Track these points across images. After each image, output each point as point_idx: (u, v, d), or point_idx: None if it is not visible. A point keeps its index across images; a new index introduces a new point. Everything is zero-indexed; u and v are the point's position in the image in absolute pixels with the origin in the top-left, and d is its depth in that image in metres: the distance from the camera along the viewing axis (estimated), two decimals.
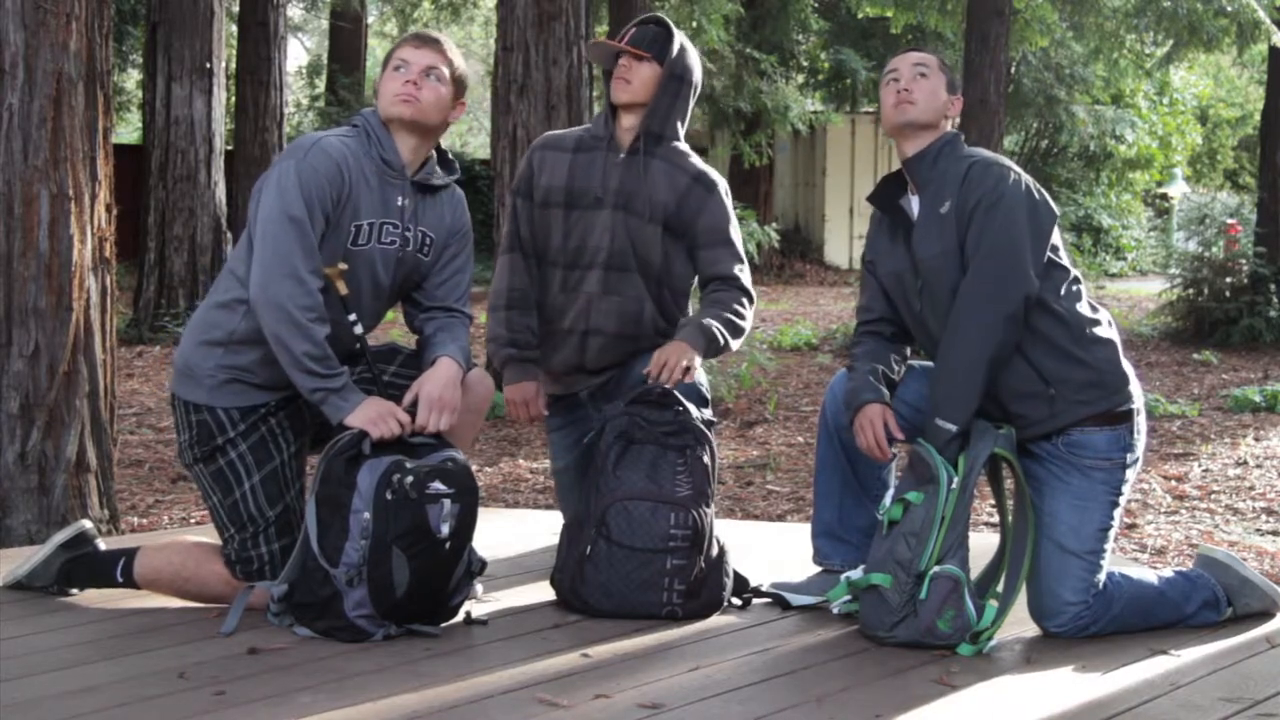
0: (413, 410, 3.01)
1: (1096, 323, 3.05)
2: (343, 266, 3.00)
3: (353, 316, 3.05)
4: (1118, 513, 3.05)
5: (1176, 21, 11.77)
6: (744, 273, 3.43)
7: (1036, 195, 3.00)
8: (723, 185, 3.47)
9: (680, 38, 3.45)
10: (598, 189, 3.41)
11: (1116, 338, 3.09)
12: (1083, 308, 3.04)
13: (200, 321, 3.11)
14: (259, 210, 2.97)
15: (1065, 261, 3.06)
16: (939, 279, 3.02)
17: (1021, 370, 2.99)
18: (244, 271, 3.01)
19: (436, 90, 3.08)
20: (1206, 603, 3.11)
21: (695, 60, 3.47)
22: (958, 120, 3.18)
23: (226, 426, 3.05)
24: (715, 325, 3.28)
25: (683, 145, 3.47)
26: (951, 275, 2.99)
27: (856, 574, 3.02)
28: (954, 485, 2.91)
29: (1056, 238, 3.04)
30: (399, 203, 3.09)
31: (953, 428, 2.92)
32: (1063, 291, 3.02)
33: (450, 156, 3.24)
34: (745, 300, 3.40)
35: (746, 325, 3.38)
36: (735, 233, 3.45)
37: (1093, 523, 2.99)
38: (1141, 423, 3.07)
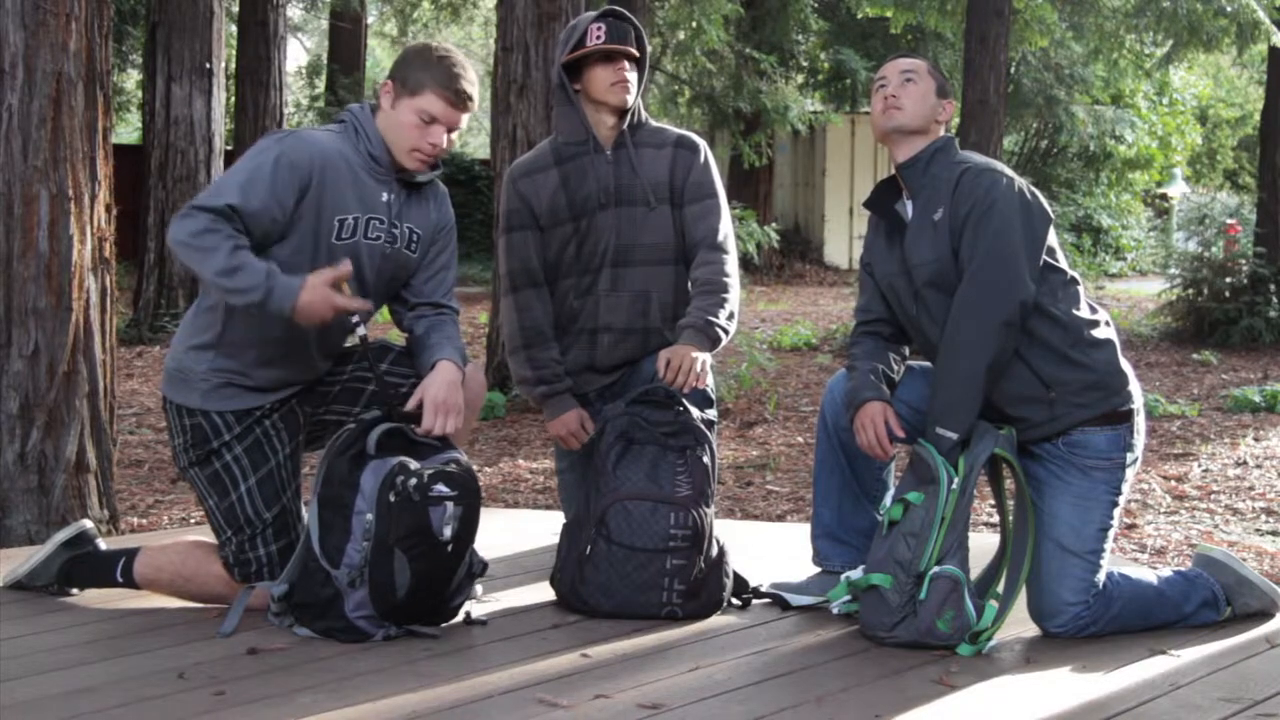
0: (418, 413, 3.00)
1: (1095, 324, 3.05)
2: (347, 270, 2.96)
3: (355, 319, 3.04)
4: (1117, 512, 3.05)
5: (1176, 21, 11.77)
6: (726, 228, 3.46)
7: (1030, 199, 3.00)
8: (703, 144, 3.52)
9: (640, 26, 3.47)
10: (599, 193, 3.41)
11: (1115, 338, 3.09)
12: (1080, 310, 3.04)
13: (190, 325, 3.10)
14: None
15: (1062, 264, 3.06)
16: (934, 285, 3.02)
17: (1021, 375, 2.98)
18: None
19: (453, 141, 3.10)
20: (1205, 602, 3.11)
21: None
22: (952, 124, 3.18)
23: (221, 430, 3.05)
24: (716, 322, 3.29)
25: (652, 122, 3.52)
26: (947, 282, 2.99)
27: (856, 574, 3.02)
28: (954, 486, 2.91)
29: (1052, 240, 3.04)
30: (384, 198, 3.08)
31: (954, 436, 2.92)
32: (1060, 295, 3.02)
33: None
34: (728, 270, 3.40)
35: (735, 298, 3.39)
36: (717, 185, 3.49)
37: (1093, 522, 3.00)
38: (1141, 422, 3.07)
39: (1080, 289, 3.08)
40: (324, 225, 3.00)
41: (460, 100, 3.04)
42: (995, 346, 2.90)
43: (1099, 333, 3.04)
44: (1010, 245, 2.92)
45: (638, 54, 3.41)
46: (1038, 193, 3.06)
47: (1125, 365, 3.08)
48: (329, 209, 2.99)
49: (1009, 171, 3.05)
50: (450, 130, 3.06)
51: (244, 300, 2.86)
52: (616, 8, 3.52)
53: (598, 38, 3.38)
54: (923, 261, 3.02)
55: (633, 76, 3.40)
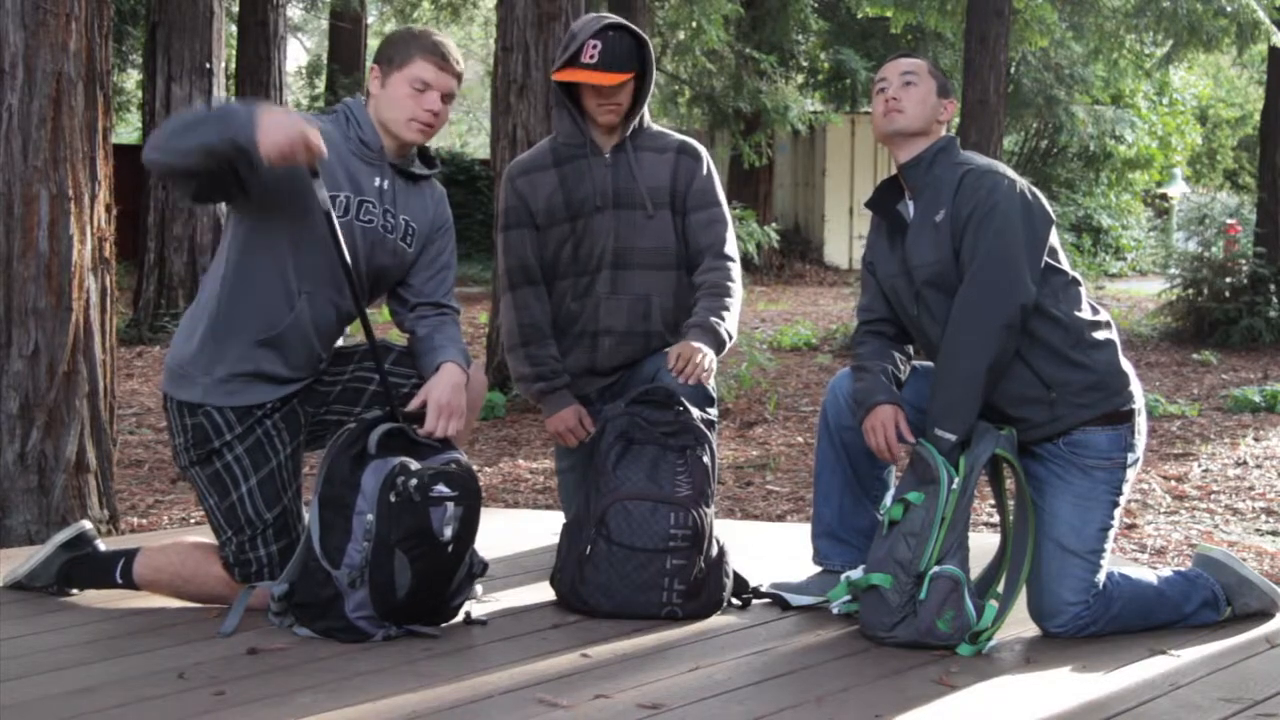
0: (420, 414, 3.00)
1: (1096, 325, 3.04)
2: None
3: (323, 193, 2.90)
4: (1118, 512, 3.05)
5: (1176, 21, 11.77)
6: (731, 238, 3.47)
7: (1031, 201, 3.00)
8: (705, 152, 3.52)
9: (645, 37, 3.42)
10: (595, 196, 3.41)
11: (1116, 338, 3.09)
12: (1082, 311, 3.04)
13: (189, 321, 3.11)
14: None
15: (1063, 265, 3.06)
16: (933, 285, 3.02)
17: (1022, 376, 2.98)
18: (219, 268, 3.06)
19: (448, 112, 3.11)
20: (1206, 602, 3.11)
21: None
22: (952, 124, 3.18)
23: (223, 429, 3.04)
24: (721, 325, 3.30)
25: (653, 125, 3.51)
26: (947, 283, 2.99)
27: (856, 574, 3.02)
28: (954, 486, 2.91)
29: (1054, 240, 3.04)
30: (377, 183, 3.08)
31: (953, 438, 2.92)
32: (1061, 296, 3.01)
33: (431, 152, 3.23)
34: (734, 278, 3.42)
35: (738, 306, 3.40)
36: (720, 194, 3.50)
37: (1094, 522, 3.00)
38: (1142, 423, 3.07)
39: (1081, 290, 3.08)
40: (314, 203, 2.98)
41: (448, 62, 3.06)
42: (996, 348, 2.90)
43: (1100, 334, 3.04)
44: (1011, 247, 2.92)
45: (630, 75, 3.33)
46: (1039, 194, 3.06)
47: (1126, 365, 3.08)
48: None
49: (1011, 173, 3.05)
50: (444, 97, 3.06)
51: (218, 127, 2.75)
52: (617, 19, 3.40)
53: (590, 57, 3.29)
54: (924, 262, 3.02)
55: (626, 96, 3.36)
